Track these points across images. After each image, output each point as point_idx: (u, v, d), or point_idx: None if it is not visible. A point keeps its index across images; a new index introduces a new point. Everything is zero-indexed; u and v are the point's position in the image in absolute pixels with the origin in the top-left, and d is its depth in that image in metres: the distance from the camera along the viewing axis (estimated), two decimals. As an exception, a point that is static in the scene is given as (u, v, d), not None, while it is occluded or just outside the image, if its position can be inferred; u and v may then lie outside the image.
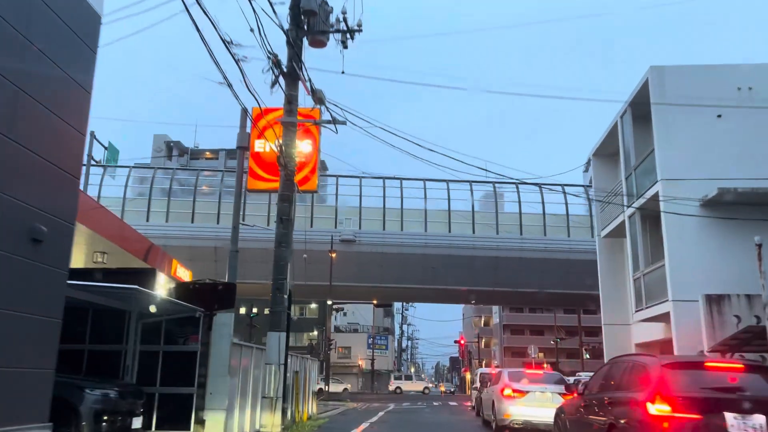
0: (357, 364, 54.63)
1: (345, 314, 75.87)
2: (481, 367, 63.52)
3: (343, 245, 33.12)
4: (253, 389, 9.97)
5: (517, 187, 35.41)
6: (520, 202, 34.89)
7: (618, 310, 19.91)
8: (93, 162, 32.20)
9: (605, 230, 19.85)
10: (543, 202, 35.06)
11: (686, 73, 15.03)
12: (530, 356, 37.32)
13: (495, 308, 62.80)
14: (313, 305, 57.09)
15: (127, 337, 7.90)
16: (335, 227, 33.46)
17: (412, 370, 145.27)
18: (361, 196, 34.22)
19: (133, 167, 33.95)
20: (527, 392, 11.16)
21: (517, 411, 11.04)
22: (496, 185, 35.55)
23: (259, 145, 15.75)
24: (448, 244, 33.70)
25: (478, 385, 20.47)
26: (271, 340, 10.19)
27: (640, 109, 16.62)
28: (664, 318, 14.32)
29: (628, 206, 16.85)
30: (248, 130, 14.78)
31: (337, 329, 61.50)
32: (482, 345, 62.36)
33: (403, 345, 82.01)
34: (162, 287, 8.51)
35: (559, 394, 10.65)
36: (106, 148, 33.94)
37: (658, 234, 15.02)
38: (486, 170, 21.42)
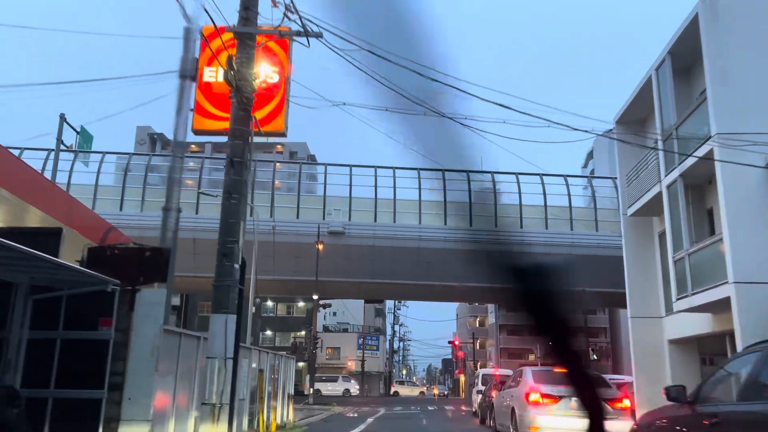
0: (346, 366, 52.45)
1: (335, 314, 73.68)
2: (481, 368, 61.50)
3: (332, 237, 31.00)
4: (199, 393, 7.77)
5: (517, 178, 33.47)
6: (520, 193, 32.90)
7: (647, 302, 17.66)
8: (63, 147, 29.88)
9: (632, 208, 17.37)
10: (545, 194, 33.08)
11: (745, 2, 12.65)
12: (536, 356, 35.27)
13: (491, 308, 60.85)
14: (301, 304, 54.91)
15: (11, 319, 5.68)
16: (323, 218, 31.31)
17: (404, 372, 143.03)
18: (351, 185, 32.13)
19: (107, 153, 31.64)
20: (560, 398, 8.71)
21: (548, 422, 8.57)
22: (495, 175, 33.48)
23: (210, 74, 13.06)
24: (443, 237, 31.59)
25: (480, 388, 18.44)
26: (215, 324, 7.84)
27: (680, 60, 14.45)
28: (715, 307, 12.06)
29: (670, 172, 14.34)
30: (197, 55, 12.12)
31: (326, 329, 59.31)
32: (477, 346, 60.34)
33: (395, 346, 79.89)
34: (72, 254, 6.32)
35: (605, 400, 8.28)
36: (78, 133, 31.62)
37: (703, 206, 12.88)
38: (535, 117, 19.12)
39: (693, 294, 12.59)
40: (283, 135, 12.83)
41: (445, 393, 66.39)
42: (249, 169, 8.79)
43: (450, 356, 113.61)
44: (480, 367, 60.21)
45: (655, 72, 15.58)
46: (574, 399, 8.76)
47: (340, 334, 59.12)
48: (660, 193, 15.09)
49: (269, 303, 54.06)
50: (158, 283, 6.69)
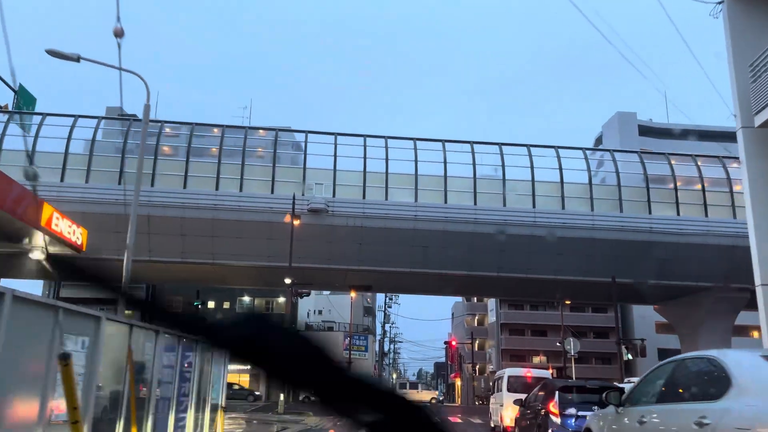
0: (331, 368, 48.40)
1: (320, 312, 69.69)
2: (481, 372, 57.53)
3: (312, 216, 27.11)
4: None
5: (529, 150, 29.72)
6: (532, 167, 29.13)
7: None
8: (-5, 107, 25.75)
9: (761, 115, 12.20)
10: (560, 168, 29.31)
11: None
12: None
13: (491, 305, 57.15)
14: (281, 299, 50.82)
15: None
16: (302, 194, 27.38)
17: (394, 376, 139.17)
18: (335, 156, 28.22)
19: (48, 114, 27.53)
20: None
21: None
22: (503, 147, 29.73)
23: None
24: (443, 218, 27.79)
25: (508, 395, 14.76)
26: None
27: None
28: None
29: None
30: None
31: (309, 327, 55.29)
32: (476, 347, 56.66)
33: (385, 348, 76.02)
34: None
35: None
36: (16, 93, 27.48)
37: None
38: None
39: None
40: None
41: (440, 399, 62.65)
42: None
43: (443, 359, 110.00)
44: (478, 371, 56.53)
45: None
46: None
47: (324, 333, 55.15)
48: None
49: (245, 298, 50.06)
50: None
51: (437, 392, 74.10)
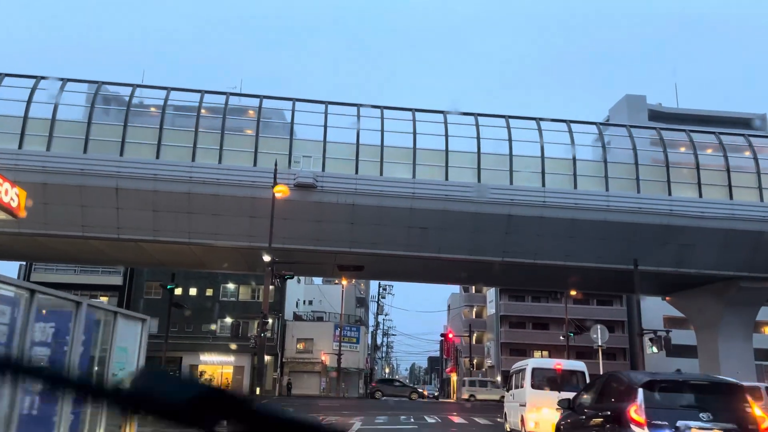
0: (320, 361, 46.44)
1: (311, 302, 67.54)
2: (478, 367, 55.25)
3: (299, 192, 24.95)
4: None
5: (539, 124, 27.56)
6: (542, 142, 26.95)
7: None
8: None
9: None
10: (573, 144, 27.19)
11: None
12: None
13: (490, 296, 55.13)
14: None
15: None
16: (289, 166, 25.18)
17: (387, 370, 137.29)
18: (326, 126, 26.01)
19: (6, 75, 25.17)
20: None
21: None
22: (510, 120, 27.57)
23: None
24: (444, 196, 25.67)
25: (529, 390, 12.48)
26: None
27: None
28: None
29: None
30: None
31: (298, 317, 53.20)
32: (473, 340, 54.67)
33: (378, 341, 73.99)
34: None
35: None
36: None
37: None
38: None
39: None
40: None
41: (434, 394, 60.77)
42: None
43: (438, 353, 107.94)
44: (476, 366, 54.53)
45: None
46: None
47: (314, 323, 53.07)
48: None
49: (230, 285, 47.83)
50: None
51: (426, 388, 72.20)
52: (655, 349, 20.69)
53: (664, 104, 63.39)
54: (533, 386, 13.06)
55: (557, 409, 9.36)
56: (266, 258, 19.66)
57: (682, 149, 28.66)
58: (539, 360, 14.69)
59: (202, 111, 25.68)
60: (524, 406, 12.96)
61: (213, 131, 25.50)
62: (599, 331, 21.26)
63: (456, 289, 78.76)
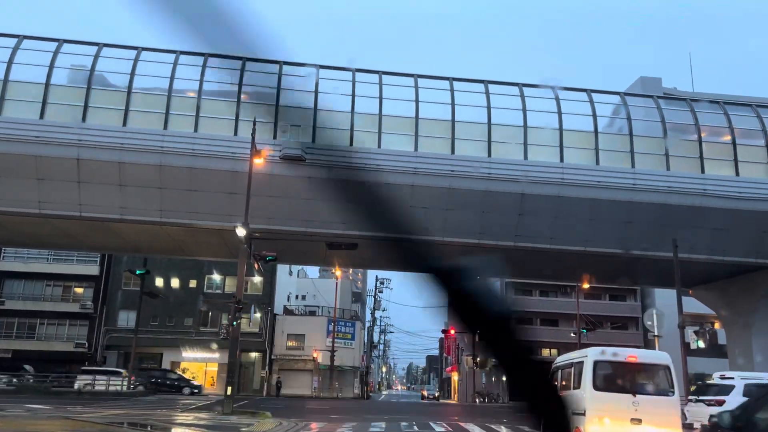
0: (312, 358, 43.94)
1: (304, 297, 65.10)
2: (477, 365, 52.84)
3: (285, 166, 22.38)
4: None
5: (556, 93, 25.08)
6: (560, 113, 24.53)
7: None
8: None
9: None
10: (594, 115, 24.73)
11: None
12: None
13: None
14: (257, 279, 46.13)
15: None
16: (274, 137, 22.68)
17: (384, 369, 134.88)
18: (317, 92, 23.48)
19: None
20: None
21: None
22: (524, 89, 25.09)
23: None
24: (449, 171, 23.22)
25: (586, 393, 9.59)
26: None
27: None
28: None
29: None
30: None
31: (289, 311, 50.70)
32: (477, 338, 52.00)
33: (375, 339, 71.54)
34: None
35: None
36: None
37: None
38: None
39: None
40: None
41: (434, 394, 58.42)
42: None
43: (437, 352, 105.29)
44: (479, 365, 52.05)
45: None
46: None
47: (306, 317, 50.53)
48: None
49: (215, 276, 45.31)
50: None
51: (425, 388, 69.88)
52: (701, 344, 18.17)
53: (679, 89, 61.07)
54: (597, 387, 9.80)
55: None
56: (241, 232, 17.17)
57: (715, 125, 26.19)
58: (603, 350, 10.95)
59: (177, 73, 23.12)
60: (581, 414, 9.66)
61: (188, 96, 22.97)
62: (654, 317, 17.36)
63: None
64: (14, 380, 32.88)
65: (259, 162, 18.52)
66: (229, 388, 14.57)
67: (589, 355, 10.22)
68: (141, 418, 14.21)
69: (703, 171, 24.53)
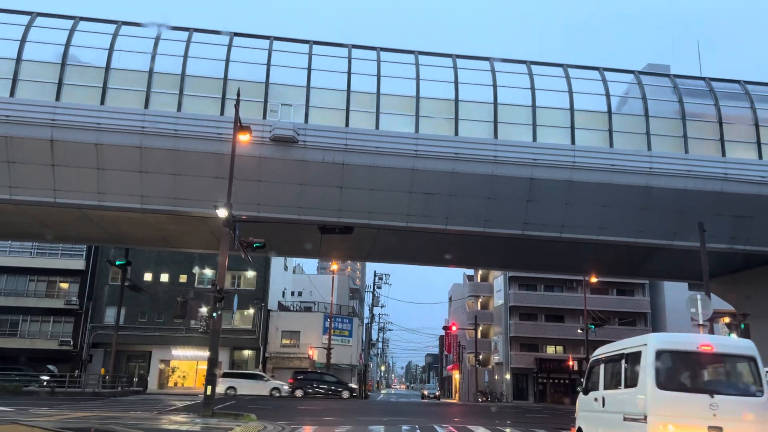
0: (307, 356, 42.55)
1: (300, 293, 63.78)
2: (482, 363, 50.83)
3: (276, 148, 21.22)
4: None
5: (566, 71, 23.73)
6: (571, 92, 23.17)
7: None
8: None
9: None
10: (608, 95, 23.39)
11: None
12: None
13: (498, 285, 51.34)
14: (250, 273, 44.82)
15: None
16: (264, 117, 21.34)
17: (383, 368, 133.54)
18: (310, 69, 22.10)
19: None
20: None
21: None
22: (532, 66, 23.71)
23: None
24: (453, 154, 21.85)
25: (647, 393, 7.58)
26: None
27: None
28: None
29: None
30: None
31: (284, 308, 49.32)
32: (479, 334, 50.93)
33: (373, 337, 70.15)
34: None
35: None
36: None
37: None
38: None
39: None
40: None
41: (435, 394, 57.14)
42: None
43: (437, 350, 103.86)
44: (481, 363, 50.77)
45: None
46: None
47: (301, 314, 49.10)
48: None
49: (207, 271, 43.89)
50: None
51: (426, 388, 68.60)
52: (734, 336, 16.85)
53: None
54: (661, 385, 7.64)
55: None
56: (222, 213, 15.77)
57: (735, 104, 24.78)
58: (669, 336, 9.26)
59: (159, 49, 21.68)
60: (639, 420, 7.66)
61: (171, 73, 21.52)
62: (699, 302, 14.93)
63: (458, 279, 75.05)
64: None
65: (244, 139, 17.09)
66: (209, 388, 13.20)
67: (650, 344, 8.04)
68: (105, 421, 12.83)
69: (724, 154, 23.17)
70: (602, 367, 9.82)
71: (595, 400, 9.75)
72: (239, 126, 16.75)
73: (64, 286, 42.90)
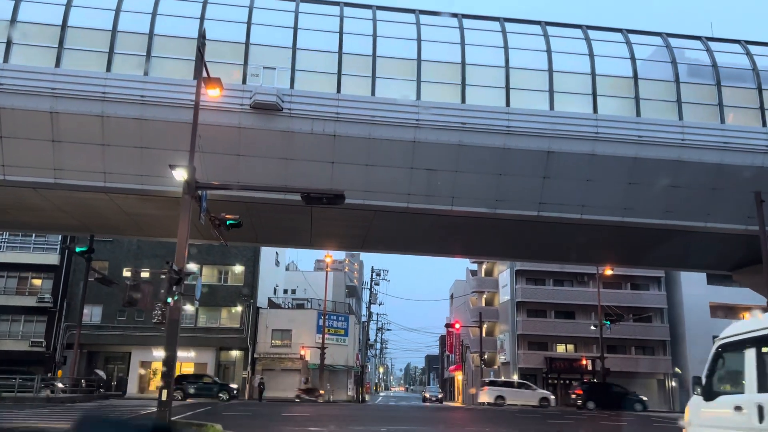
0: (299, 356, 40.22)
1: (294, 291, 61.40)
2: (488, 364, 48.63)
3: (257, 117, 18.99)
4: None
5: (586, 33, 21.50)
6: (592, 55, 20.94)
7: None
8: None
9: None
10: (633, 58, 21.19)
11: None
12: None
13: (503, 280, 49.05)
14: (238, 268, 42.51)
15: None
16: (243, 81, 19.09)
17: (381, 370, 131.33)
18: (296, 27, 19.85)
19: None
20: None
21: None
22: (548, 28, 21.46)
23: None
24: (459, 124, 19.61)
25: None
26: None
27: None
28: None
29: None
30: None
31: (275, 305, 47.00)
32: (484, 332, 48.67)
33: (371, 338, 67.90)
34: None
35: None
36: None
37: None
38: None
39: None
40: None
41: (437, 396, 54.87)
42: None
43: (437, 350, 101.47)
44: (486, 363, 48.56)
45: None
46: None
47: (293, 311, 46.75)
48: None
49: (191, 266, 41.46)
50: None
51: (428, 390, 66.38)
52: None
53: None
54: None
55: None
56: (179, 174, 13.51)
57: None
58: None
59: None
60: None
61: (138, 32, 19.21)
62: None
63: (460, 276, 72.79)
64: None
65: (214, 94, 14.76)
66: (164, 392, 10.93)
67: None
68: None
69: (765, 124, 20.96)
70: (750, 354, 6.44)
71: (737, 408, 6.42)
72: (207, 78, 14.42)
73: (37, 282, 40.52)
